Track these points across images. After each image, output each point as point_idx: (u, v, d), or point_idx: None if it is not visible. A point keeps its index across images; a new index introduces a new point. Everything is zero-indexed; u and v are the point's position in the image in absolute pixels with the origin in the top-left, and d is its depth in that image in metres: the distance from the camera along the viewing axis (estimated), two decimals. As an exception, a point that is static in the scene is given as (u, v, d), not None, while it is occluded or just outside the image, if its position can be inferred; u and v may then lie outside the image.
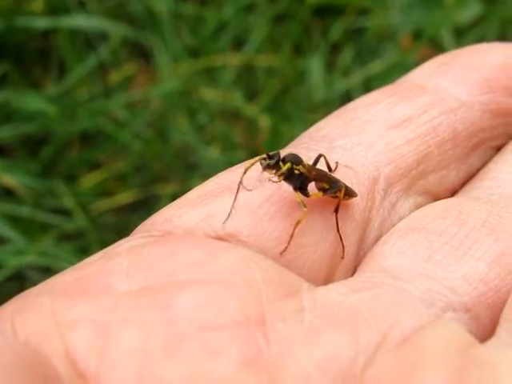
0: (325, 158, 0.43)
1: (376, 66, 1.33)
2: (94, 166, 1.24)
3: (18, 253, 1.06)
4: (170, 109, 1.27)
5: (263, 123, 1.25)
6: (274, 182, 0.41)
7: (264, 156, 0.41)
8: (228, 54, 1.32)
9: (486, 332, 0.38)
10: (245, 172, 0.40)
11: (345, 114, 0.47)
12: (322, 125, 0.46)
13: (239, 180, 0.40)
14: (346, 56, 1.35)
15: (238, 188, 0.40)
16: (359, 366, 0.34)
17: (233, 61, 1.32)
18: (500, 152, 0.48)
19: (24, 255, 1.06)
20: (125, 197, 1.19)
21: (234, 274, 0.36)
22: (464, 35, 1.37)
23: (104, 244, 0.40)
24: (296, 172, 0.41)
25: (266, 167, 0.41)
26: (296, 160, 0.42)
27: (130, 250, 0.38)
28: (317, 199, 0.42)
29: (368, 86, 1.29)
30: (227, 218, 0.39)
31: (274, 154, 0.41)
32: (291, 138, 0.47)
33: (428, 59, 0.51)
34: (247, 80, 1.34)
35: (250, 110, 1.26)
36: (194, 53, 1.33)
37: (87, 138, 1.27)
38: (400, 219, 0.44)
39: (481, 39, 1.36)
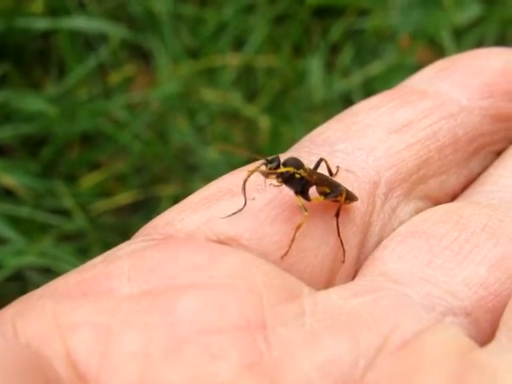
0: (326, 162, 0.43)
1: (375, 67, 1.33)
2: (94, 166, 1.24)
3: (18, 253, 1.06)
4: (170, 109, 1.27)
5: (263, 124, 1.25)
6: (275, 186, 0.41)
7: (264, 161, 0.41)
8: (228, 55, 1.32)
9: (485, 336, 0.39)
10: (244, 183, 0.40)
11: (346, 118, 0.47)
12: (323, 129, 0.46)
13: (242, 187, 0.40)
14: (346, 56, 1.35)
15: (245, 193, 0.40)
16: (360, 369, 0.34)
17: (233, 61, 1.32)
18: (500, 156, 0.49)
19: (24, 255, 1.06)
20: (125, 197, 1.19)
21: (235, 277, 0.37)
22: (463, 36, 1.37)
23: (104, 245, 0.40)
24: (297, 176, 0.41)
25: (268, 172, 0.41)
26: (297, 164, 0.42)
27: (132, 253, 0.38)
28: (318, 203, 0.42)
29: (368, 87, 1.29)
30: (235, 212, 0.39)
31: (274, 158, 0.41)
32: (291, 139, 0.48)
33: (427, 60, 0.51)
34: (247, 80, 1.34)
35: (250, 110, 1.26)
36: (194, 53, 1.33)
37: (87, 139, 1.27)
38: (400, 223, 0.44)
39: (480, 40, 1.36)
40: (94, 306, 0.35)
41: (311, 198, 0.42)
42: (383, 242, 0.43)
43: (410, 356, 0.35)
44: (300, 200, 0.41)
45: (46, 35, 1.32)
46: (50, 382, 0.32)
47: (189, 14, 1.38)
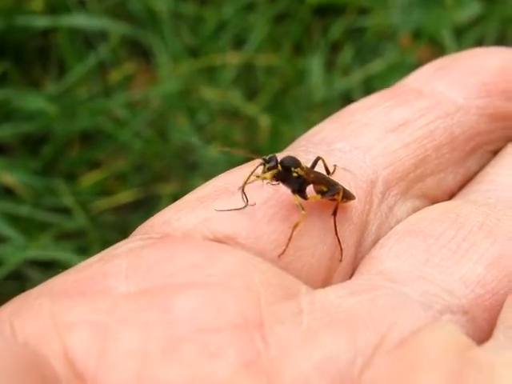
0: (323, 160, 0.43)
1: (376, 66, 1.33)
2: (94, 165, 1.24)
3: (18, 251, 1.06)
4: (170, 108, 1.27)
5: (263, 122, 1.25)
6: (272, 184, 0.41)
7: (261, 161, 0.41)
8: (228, 53, 1.32)
9: (483, 334, 0.39)
10: (243, 186, 0.40)
11: (343, 117, 0.47)
12: (320, 128, 0.46)
13: (241, 187, 0.40)
14: (346, 55, 1.35)
15: (244, 194, 0.40)
16: (357, 368, 0.34)
17: (233, 60, 1.32)
18: (497, 155, 0.49)
19: (23, 254, 1.06)
20: (125, 196, 1.19)
21: (233, 276, 0.37)
22: (464, 34, 1.37)
23: (104, 243, 0.41)
24: (294, 175, 0.41)
25: (266, 171, 0.41)
26: (294, 162, 0.42)
27: (129, 252, 0.38)
28: (315, 202, 0.42)
29: (368, 86, 1.29)
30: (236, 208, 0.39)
31: (271, 158, 0.41)
32: (291, 138, 0.47)
33: (428, 58, 0.51)
34: (247, 79, 1.34)
35: (250, 109, 1.26)
36: (194, 52, 1.33)
37: (87, 137, 1.27)
38: (398, 222, 0.44)
39: (481, 38, 1.36)
40: (92, 305, 0.35)
41: (308, 196, 0.42)
42: (380, 241, 0.43)
43: (408, 354, 0.35)
44: (297, 199, 0.41)
45: (46, 33, 1.32)
46: (47, 381, 0.32)
47: (189, 12, 1.38)
